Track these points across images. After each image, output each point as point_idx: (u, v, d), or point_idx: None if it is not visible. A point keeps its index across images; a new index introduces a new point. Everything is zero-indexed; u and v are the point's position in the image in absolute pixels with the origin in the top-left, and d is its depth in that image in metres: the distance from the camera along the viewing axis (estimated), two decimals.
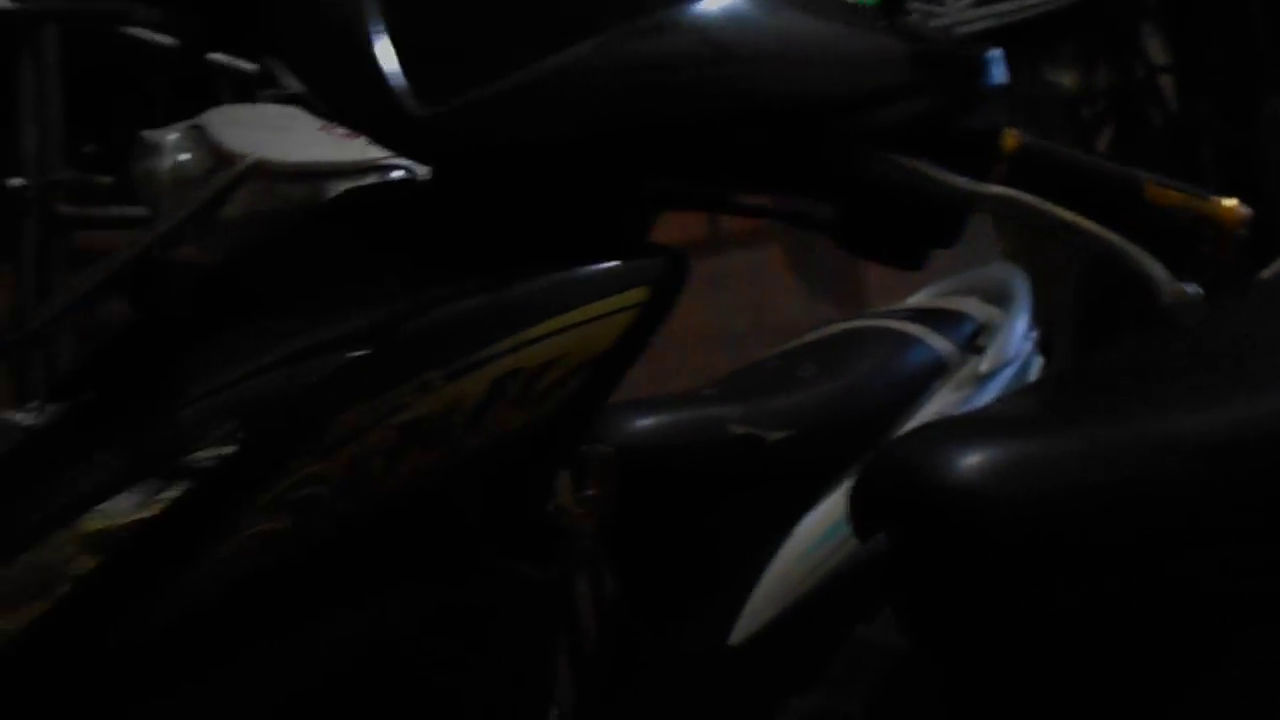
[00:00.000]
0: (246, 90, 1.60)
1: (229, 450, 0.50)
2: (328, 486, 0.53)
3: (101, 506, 0.49)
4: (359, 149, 1.19)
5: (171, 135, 1.22)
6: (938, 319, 1.19)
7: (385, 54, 0.59)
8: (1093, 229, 0.64)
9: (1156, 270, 0.63)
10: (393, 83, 0.58)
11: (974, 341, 1.17)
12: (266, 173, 1.17)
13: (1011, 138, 0.66)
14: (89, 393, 0.57)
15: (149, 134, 1.25)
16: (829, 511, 0.93)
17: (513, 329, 0.58)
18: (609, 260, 0.61)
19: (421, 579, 0.59)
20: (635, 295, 0.61)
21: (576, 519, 0.63)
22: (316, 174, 1.17)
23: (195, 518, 0.50)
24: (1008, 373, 1.17)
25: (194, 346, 0.55)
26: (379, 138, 0.65)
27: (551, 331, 0.58)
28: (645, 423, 0.99)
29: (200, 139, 1.20)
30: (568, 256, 0.61)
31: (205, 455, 0.50)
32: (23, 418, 1.09)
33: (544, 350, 0.58)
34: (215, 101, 1.72)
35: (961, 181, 0.63)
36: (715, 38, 0.61)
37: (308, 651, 0.54)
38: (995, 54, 0.65)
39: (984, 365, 1.14)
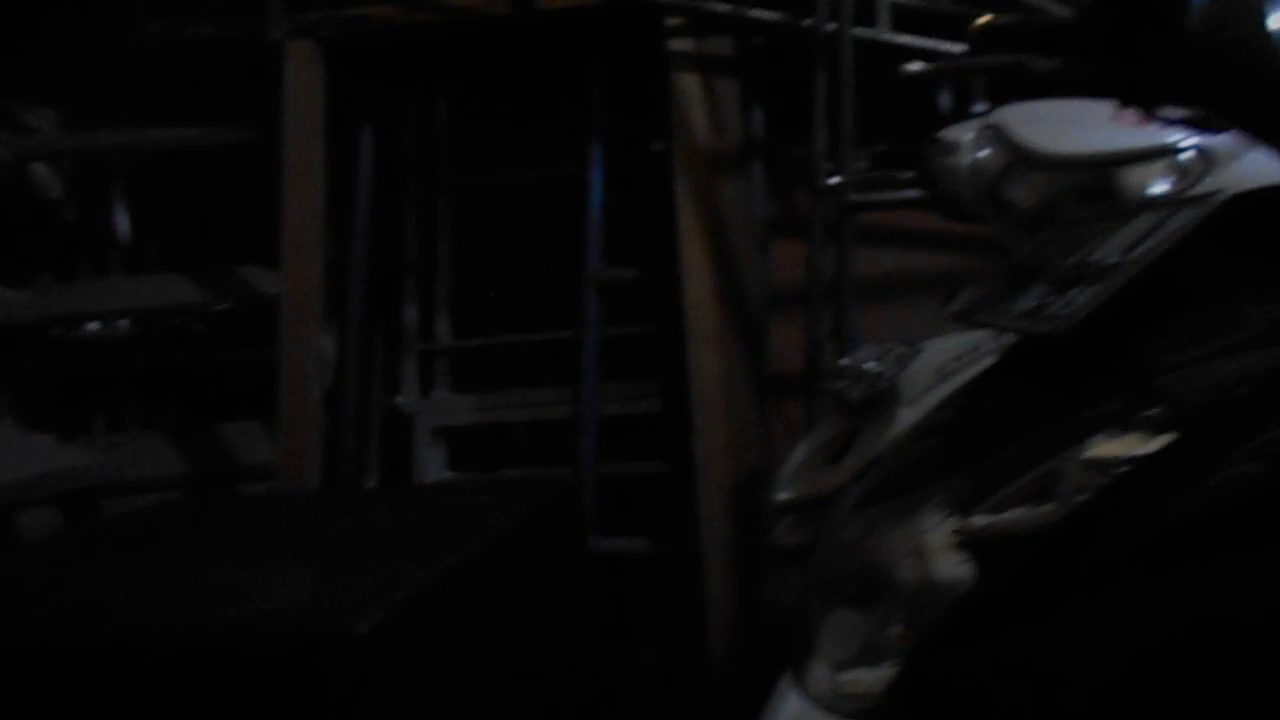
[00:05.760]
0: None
1: (1225, 408, 0.67)
2: None
3: (1098, 439, 0.69)
4: (1149, 135, 1.31)
5: (968, 134, 1.44)
6: None
7: None
8: None
9: None
10: None
11: None
12: (1057, 164, 1.35)
13: None
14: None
15: (947, 133, 1.48)
16: None
17: None
18: None
19: None
20: None
21: None
22: (1105, 163, 1.31)
23: (1182, 459, 0.67)
24: None
25: (1155, 328, 0.73)
26: None
27: None
28: None
29: (997, 136, 1.40)
30: None
31: (1195, 409, 0.68)
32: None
33: None
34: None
35: None
36: None
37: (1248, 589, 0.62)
38: None
39: None
